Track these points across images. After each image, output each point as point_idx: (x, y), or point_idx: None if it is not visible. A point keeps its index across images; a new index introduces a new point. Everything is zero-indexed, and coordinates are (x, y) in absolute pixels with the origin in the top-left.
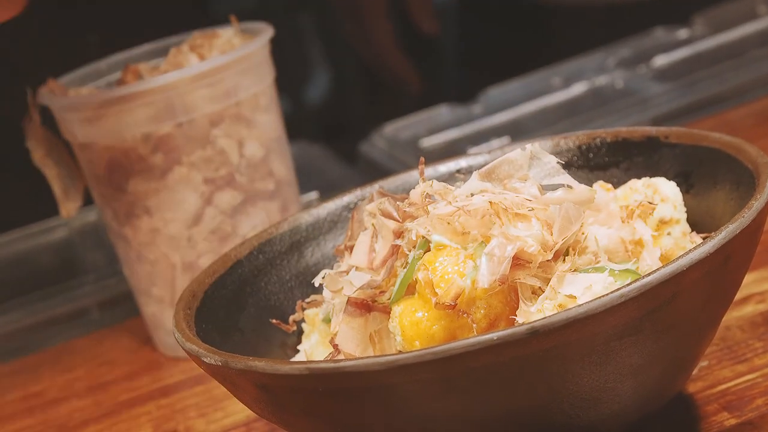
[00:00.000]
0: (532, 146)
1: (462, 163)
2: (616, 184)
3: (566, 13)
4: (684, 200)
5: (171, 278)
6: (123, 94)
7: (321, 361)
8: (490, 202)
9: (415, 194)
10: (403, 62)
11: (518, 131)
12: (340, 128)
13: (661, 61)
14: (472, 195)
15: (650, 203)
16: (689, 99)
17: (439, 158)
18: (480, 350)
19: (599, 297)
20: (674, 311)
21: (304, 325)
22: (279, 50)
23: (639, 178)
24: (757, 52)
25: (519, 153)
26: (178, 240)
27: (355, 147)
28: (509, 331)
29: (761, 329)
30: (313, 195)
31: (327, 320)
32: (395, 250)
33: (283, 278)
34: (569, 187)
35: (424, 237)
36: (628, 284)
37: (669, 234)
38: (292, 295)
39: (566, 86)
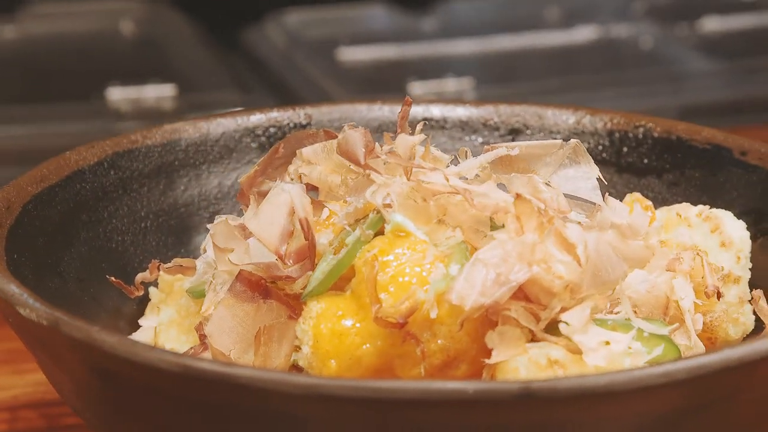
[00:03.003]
0: (576, 143)
1: (435, 111)
2: (653, 201)
3: None
4: (751, 251)
5: None
6: None
7: (207, 362)
8: (519, 196)
9: (402, 145)
10: None
11: (485, 74)
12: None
13: (713, 25)
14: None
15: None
16: (748, 92)
17: (364, 84)
18: (445, 403)
19: (627, 370)
20: (726, 414)
21: (153, 292)
22: None
23: (690, 200)
24: None
25: (554, 145)
26: None
27: (237, 33)
28: (491, 385)
29: None
30: (167, 89)
31: (196, 294)
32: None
33: (136, 212)
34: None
35: (379, 212)
36: (672, 361)
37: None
38: (143, 241)
39: (566, 25)
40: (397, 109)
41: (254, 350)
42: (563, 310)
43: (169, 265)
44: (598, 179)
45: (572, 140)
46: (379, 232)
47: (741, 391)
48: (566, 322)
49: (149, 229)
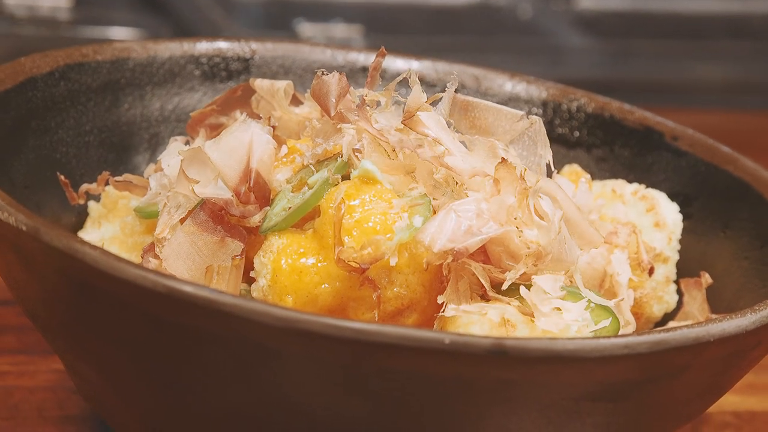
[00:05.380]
0: (538, 120)
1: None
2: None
3: None
4: None
5: None
6: None
7: (191, 285)
8: (504, 160)
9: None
10: None
11: (374, 24)
12: None
13: (588, 3)
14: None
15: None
16: (619, 72)
17: (253, 19)
18: (421, 351)
19: (594, 338)
20: (671, 388)
21: (93, 206)
22: None
23: (617, 177)
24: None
25: (515, 116)
26: None
27: None
28: (465, 339)
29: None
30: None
31: (145, 213)
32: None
33: (81, 126)
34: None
35: (345, 157)
36: (636, 334)
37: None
38: (86, 154)
39: None
40: (339, 54)
41: (207, 282)
42: (524, 276)
43: (119, 178)
44: (548, 165)
45: (534, 117)
46: (345, 177)
47: (690, 367)
48: (527, 286)
49: (92, 143)
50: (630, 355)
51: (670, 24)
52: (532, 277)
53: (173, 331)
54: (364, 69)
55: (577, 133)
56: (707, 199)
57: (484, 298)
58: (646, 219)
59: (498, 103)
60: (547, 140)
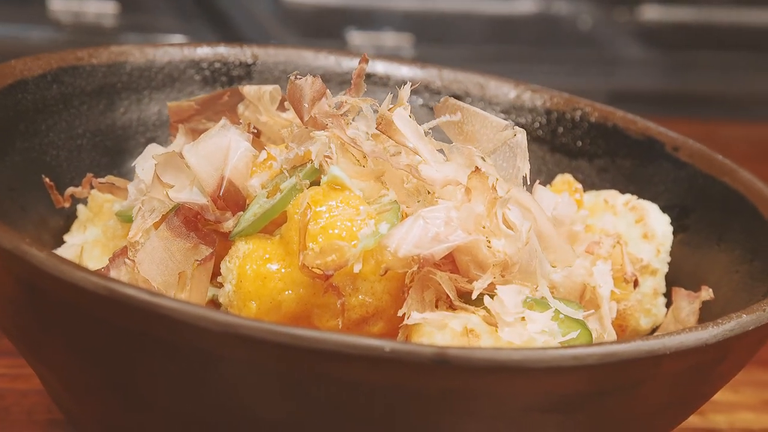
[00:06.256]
0: (522, 133)
1: (379, 67)
2: (581, 184)
3: None
4: (672, 245)
5: None
6: None
7: (133, 288)
8: (477, 169)
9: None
10: None
11: (424, 32)
12: None
13: (652, 14)
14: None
15: (633, 267)
16: (679, 84)
17: (304, 27)
18: (361, 358)
19: (541, 349)
20: (627, 402)
21: (80, 209)
22: None
23: (617, 188)
24: None
25: (500, 125)
26: None
27: None
28: (408, 346)
29: None
30: (108, 7)
31: (125, 218)
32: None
33: (74, 129)
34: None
35: (316, 163)
36: (585, 345)
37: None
38: (77, 158)
39: None
40: (344, 60)
41: (180, 287)
42: (491, 286)
43: (102, 180)
44: (524, 177)
45: (518, 128)
46: (316, 183)
47: (645, 381)
48: (491, 296)
49: (84, 147)
50: (579, 366)
51: (735, 35)
52: (496, 287)
53: (119, 334)
54: (369, 75)
55: (579, 143)
56: (704, 210)
57: (452, 307)
58: (635, 230)
59: (502, 111)
60: (527, 153)
